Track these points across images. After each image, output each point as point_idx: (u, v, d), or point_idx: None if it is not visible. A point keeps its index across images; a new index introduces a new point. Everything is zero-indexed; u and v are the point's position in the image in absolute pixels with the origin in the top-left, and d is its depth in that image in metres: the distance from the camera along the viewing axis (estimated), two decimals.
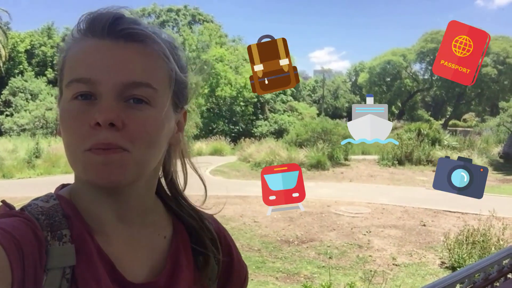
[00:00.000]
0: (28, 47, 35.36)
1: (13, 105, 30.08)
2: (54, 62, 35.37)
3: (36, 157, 16.86)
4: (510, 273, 2.16)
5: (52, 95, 30.95)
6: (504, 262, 2.14)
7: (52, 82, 33.76)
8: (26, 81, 32.03)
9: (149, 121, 0.71)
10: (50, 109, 27.83)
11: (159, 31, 0.76)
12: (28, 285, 0.62)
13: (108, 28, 0.70)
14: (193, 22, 43.05)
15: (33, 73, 33.87)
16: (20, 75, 32.99)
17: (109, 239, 0.75)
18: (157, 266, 0.79)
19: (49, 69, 35.01)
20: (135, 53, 0.71)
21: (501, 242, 6.22)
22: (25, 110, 28.70)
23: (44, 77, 33.93)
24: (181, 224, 0.88)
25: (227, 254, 0.93)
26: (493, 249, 6.10)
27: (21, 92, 31.02)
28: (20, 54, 34.44)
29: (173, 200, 0.90)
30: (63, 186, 0.82)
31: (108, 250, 0.73)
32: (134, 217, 0.79)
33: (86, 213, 0.75)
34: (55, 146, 18.76)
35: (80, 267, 0.69)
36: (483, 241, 6.27)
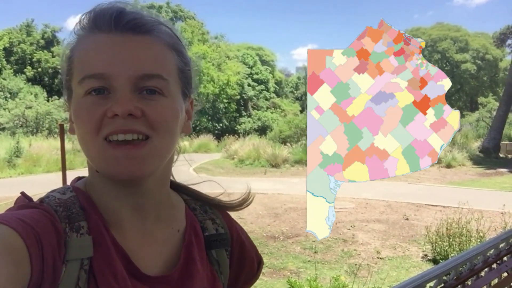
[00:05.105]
0: (7, 44, 34.57)
1: None
2: (34, 59, 34.73)
3: (17, 156, 16.58)
4: (495, 263, 2.21)
5: (31, 94, 30.41)
6: (488, 253, 2.20)
7: (31, 80, 33.18)
8: (4, 79, 31.40)
9: (165, 110, 0.72)
10: (30, 108, 27.35)
11: (164, 21, 0.78)
12: (47, 276, 0.62)
13: (114, 21, 0.71)
14: (175, 19, 42.71)
15: (12, 71, 33.19)
16: None
17: (123, 232, 0.76)
18: (170, 260, 0.80)
19: (28, 67, 34.36)
20: (144, 45, 0.72)
21: (481, 234, 6.34)
22: (5, 109, 28.11)
23: (23, 75, 33.29)
24: (195, 217, 0.88)
25: (240, 247, 0.93)
26: (473, 241, 6.22)
27: (0, 91, 30.42)
28: None
29: (187, 191, 0.92)
30: (79, 178, 0.82)
31: (122, 243, 0.74)
32: (149, 211, 0.79)
33: (101, 206, 0.75)
34: (36, 145, 18.47)
35: (98, 259, 0.70)
36: (461, 234, 6.38)
